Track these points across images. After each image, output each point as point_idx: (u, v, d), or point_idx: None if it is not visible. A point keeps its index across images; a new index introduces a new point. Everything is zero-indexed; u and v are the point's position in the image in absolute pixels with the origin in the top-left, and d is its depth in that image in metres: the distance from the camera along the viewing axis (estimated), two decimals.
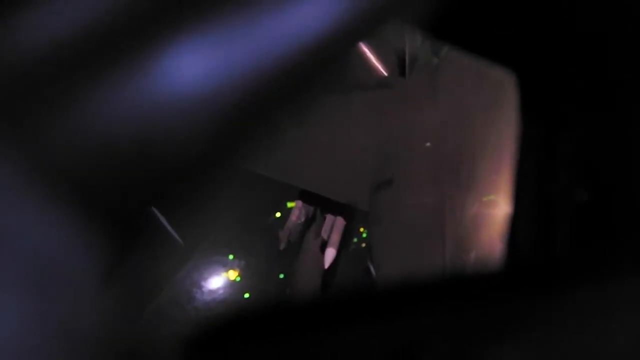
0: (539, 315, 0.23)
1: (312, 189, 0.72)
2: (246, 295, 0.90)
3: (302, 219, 0.74)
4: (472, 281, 0.24)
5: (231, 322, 0.23)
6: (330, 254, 0.70)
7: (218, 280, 0.89)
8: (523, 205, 0.31)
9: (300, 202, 0.74)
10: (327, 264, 0.69)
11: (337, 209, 0.72)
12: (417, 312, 0.23)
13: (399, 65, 0.72)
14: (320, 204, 0.72)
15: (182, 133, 0.18)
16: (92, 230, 0.17)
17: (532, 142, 0.31)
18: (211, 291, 0.89)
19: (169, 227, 0.82)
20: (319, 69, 0.19)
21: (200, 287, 0.88)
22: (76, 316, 0.17)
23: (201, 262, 0.88)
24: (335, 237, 0.71)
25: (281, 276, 0.91)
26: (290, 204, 0.90)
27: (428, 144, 0.69)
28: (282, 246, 0.73)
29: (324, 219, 0.74)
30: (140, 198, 0.18)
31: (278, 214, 0.91)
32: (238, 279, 0.90)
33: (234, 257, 0.89)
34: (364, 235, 0.77)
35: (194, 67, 0.18)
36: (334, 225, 0.72)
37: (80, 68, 0.17)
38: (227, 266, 0.89)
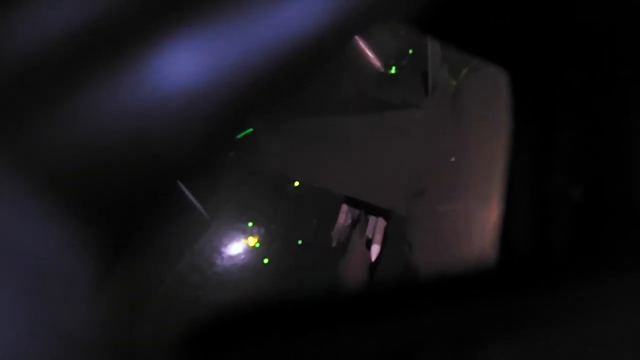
0: (536, 315, 0.23)
1: (357, 196, 0.83)
2: (265, 261, 0.92)
3: (349, 221, 0.83)
4: (469, 281, 0.24)
5: (230, 321, 0.23)
6: (375, 250, 0.79)
7: (238, 247, 0.91)
8: (518, 204, 0.31)
9: (346, 207, 0.83)
10: (373, 259, 0.79)
11: (378, 212, 0.82)
12: (415, 312, 0.23)
13: (423, 87, 0.82)
14: (364, 208, 0.82)
15: (176, 131, 0.18)
16: (87, 232, 0.17)
17: (527, 141, 0.31)
18: (231, 257, 0.91)
19: (196, 202, 0.83)
20: (311, 66, 0.19)
21: (220, 253, 0.90)
22: (71, 319, 0.17)
23: (221, 230, 0.90)
24: (378, 236, 0.81)
25: (299, 242, 0.93)
26: None
27: (453, 159, 0.79)
28: (333, 244, 0.81)
29: (368, 220, 0.83)
30: (135, 198, 0.18)
31: (296, 183, 0.92)
32: (257, 245, 0.91)
33: (253, 224, 0.91)
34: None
35: (187, 64, 0.17)
36: (376, 226, 0.81)
37: (72, 67, 0.17)
38: (246, 233, 0.91)
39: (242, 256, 0.91)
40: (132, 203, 0.18)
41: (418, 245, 0.79)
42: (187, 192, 0.77)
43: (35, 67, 0.17)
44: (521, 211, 0.31)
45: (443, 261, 0.74)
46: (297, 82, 0.19)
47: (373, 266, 0.81)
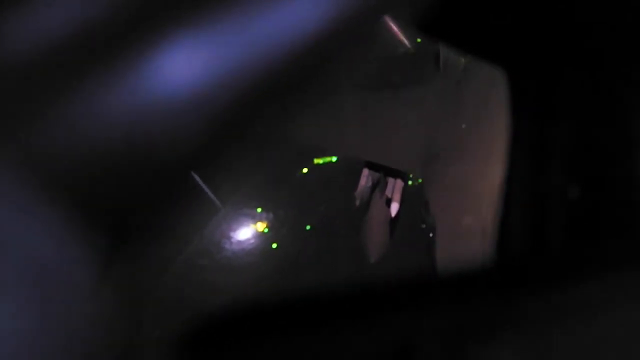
0: (533, 313, 0.22)
1: (377, 160, 0.91)
2: (274, 246, 0.93)
3: (370, 183, 0.90)
4: (465, 280, 0.24)
5: (228, 321, 0.22)
6: (394, 207, 0.88)
7: (247, 232, 0.92)
8: (516, 202, 0.31)
9: (367, 171, 0.91)
10: (392, 215, 0.88)
11: (396, 174, 0.91)
12: (415, 311, 0.22)
13: (435, 64, 0.91)
14: (384, 172, 0.91)
15: (176, 133, 0.17)
16: (87, 231, 0.17)
17: (526, 140, 0.31)
18: (240, 242, 0.91)
19: (210, 193, 0.84)
20: (312, 67, 0.19)
21: (229, 238, 0.91)
22: (72, 317, 0.17)
23: (230, 215, 0.90)
24: (397, 195, 0.89)
25: (307, 228, 0.94)
26: (316, 160, 0.92)
27: (464, 126, 0.89)
28: (357, 203, 0.88)
29: (387, 182, 0.91)
30: (135, 198, 0.18)
31: (305, 170, 0.93)
32: (266, 230, 0.92)
33: (262, 210, 0.92)
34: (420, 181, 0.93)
35: (188, 65, 0.17)
36: (395, 187, 0.90)
37: (73, 68, 0.17)
38: (255, 219, 0.92)
39: (251, 241, 0.92)
40: (133, 202, 0.18)
41: (433, 204, 0.89)
42: (199, 180, 0.77)
43: (36, 67, 0.17)
44: (519, 210, 0.30)
45: (455, 218, 0.84)
46: (298, 83, 0.19)
47: (393, 222, 0.89)
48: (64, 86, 0.17)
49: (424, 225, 0.91)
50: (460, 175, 0.88)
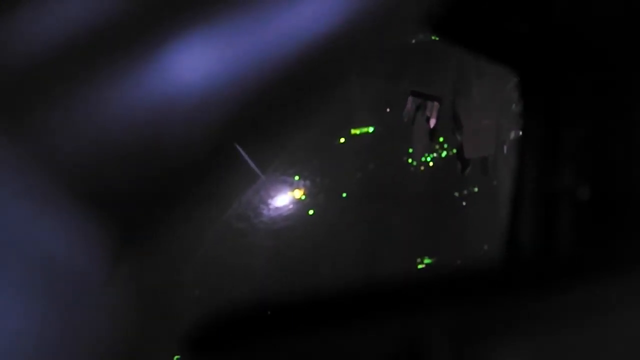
0: (542, 314, 0.22)
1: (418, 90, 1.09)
2: (310, 212, 0.95)
3: (413, 107, 1.05)
4: (474, 280, 0.24)
5: (230, 321, 0.22)
6: (432, 122, 1.05)
7: (284, 198, 0.94)
8: (525, 203, 0.31)
9: (411, 97, 1.05)
10: (432, 126, 1.04)
11: (433, 98, 1.07)
12: (423, 311, 0.22)
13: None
14: (423, 97, 1.06)
15: (189, 130, 0.18)
16: (99, 227, 0.17)
17: (534, 141, 0.31)
18: (277, 208, 0.94)
19: (250, 161, 0.85)
20: (325, 67, 0.19)
21: (267, 204, 0.93)
22: (83, 311, 0.17)
23: (269, 182, 0.93)
24: (435, 113, 1.06)
25: (344, 195, 0.96)
26: (353, 131, 0.94)
27: None
28: (405, 120, 1.04)
29: (427, 104, 1.06)
30: (147, 197, 0.18)
31: (342, 140, 0.95)
32: (303, 197, 0.94)
33: (299, 177, 0.94)
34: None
35: (201, 64, 0.17)
36: (433, 108, 1.06)
37: (85, 66, 0.17)
38: (293, 186, 0.94)
39: (288, 207, 0.94)
40: (144, 199, 0.18)
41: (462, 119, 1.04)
42: (239, 148, 0.79)
43: (50, 64, 0.17)
44: (529, 210, 0.30)
45: None
46: (309, 84, 0.20)
47: (432, 133, 1.05)
48: (77, 83, 0.16)
49: None
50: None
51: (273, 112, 0.20)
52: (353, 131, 0.94)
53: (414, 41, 1.03)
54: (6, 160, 0.16)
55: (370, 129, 0.96)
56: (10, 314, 0.15)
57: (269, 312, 0.23)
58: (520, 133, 0.32)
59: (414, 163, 1.00)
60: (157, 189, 0.18)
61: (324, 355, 0.22)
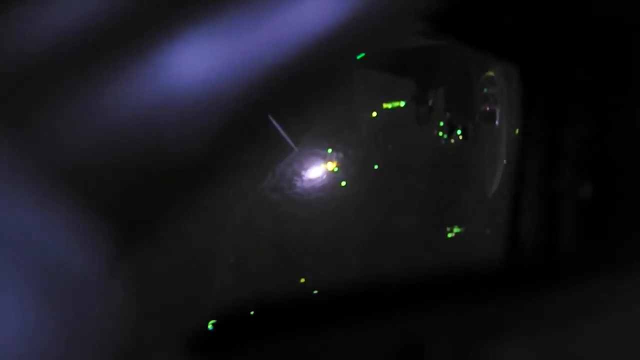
0: (544, 313, 0.22)
1: None
2: (343, 184, 0.97)
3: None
4: (476, 279, 0.24)
5: (231, 321, 0.22)
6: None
7: (317, 171, 0.96)
8: (526, 202, 0.31)
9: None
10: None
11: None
12: (425, 311, 0.22)
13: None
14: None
15: (188, 129, 0.17)
16: (99, 225, 0.17)
17: (536, 139, 0.31)
18: (310, 180, 0.96)
19: (284, 134, 0.88)
20: (324, 66, 0.19)
21: (300, 176, 0.96)
22: (82, 309, 0.17)
23: (302, 155, 0.95)
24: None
25: (375, 167, 0.98)
26: (385, 105, 0.96)
27: None
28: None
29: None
30: (147, 197, 0.18)
31: (374, 114, 0.97)
32: (336, 169, 0.96)
33: (332, 150, 0.96)
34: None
35: (201, 63, 0.17)
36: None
37: (85, 66, 0.16)
38: (326, 158, 0.96)
39: (321, 179, 0.96)
40: (144, 197, 0.18)
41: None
42: (273, 121, 0.81)
43: (50, 64, 0.16)
44: (530, 209, 0.31)
45: None
46: (311, 80, 0.20)
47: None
48: (77, 82, 0.16)
49: None
50: None
51: (272, 109, 0.19)
52: (385, 105, 0.96)
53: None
54: (6, 161, 0.16)
55: (402, 103, 0.98)
56: (9, 314, 0.15)
57: (268, 313, 0.22)
58: (522, 131, 0.32)
59: (445, 136, 1.02)
60: (157, 189, 0.18)
61: (324, 355, 0.22)
